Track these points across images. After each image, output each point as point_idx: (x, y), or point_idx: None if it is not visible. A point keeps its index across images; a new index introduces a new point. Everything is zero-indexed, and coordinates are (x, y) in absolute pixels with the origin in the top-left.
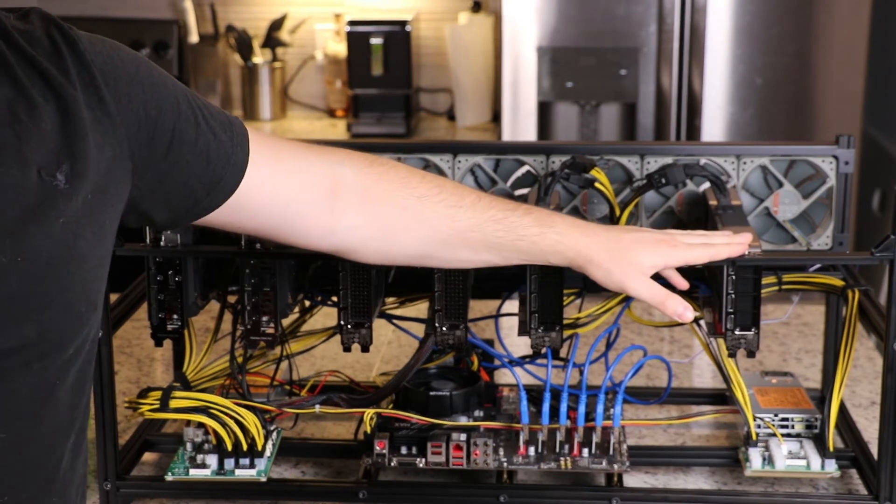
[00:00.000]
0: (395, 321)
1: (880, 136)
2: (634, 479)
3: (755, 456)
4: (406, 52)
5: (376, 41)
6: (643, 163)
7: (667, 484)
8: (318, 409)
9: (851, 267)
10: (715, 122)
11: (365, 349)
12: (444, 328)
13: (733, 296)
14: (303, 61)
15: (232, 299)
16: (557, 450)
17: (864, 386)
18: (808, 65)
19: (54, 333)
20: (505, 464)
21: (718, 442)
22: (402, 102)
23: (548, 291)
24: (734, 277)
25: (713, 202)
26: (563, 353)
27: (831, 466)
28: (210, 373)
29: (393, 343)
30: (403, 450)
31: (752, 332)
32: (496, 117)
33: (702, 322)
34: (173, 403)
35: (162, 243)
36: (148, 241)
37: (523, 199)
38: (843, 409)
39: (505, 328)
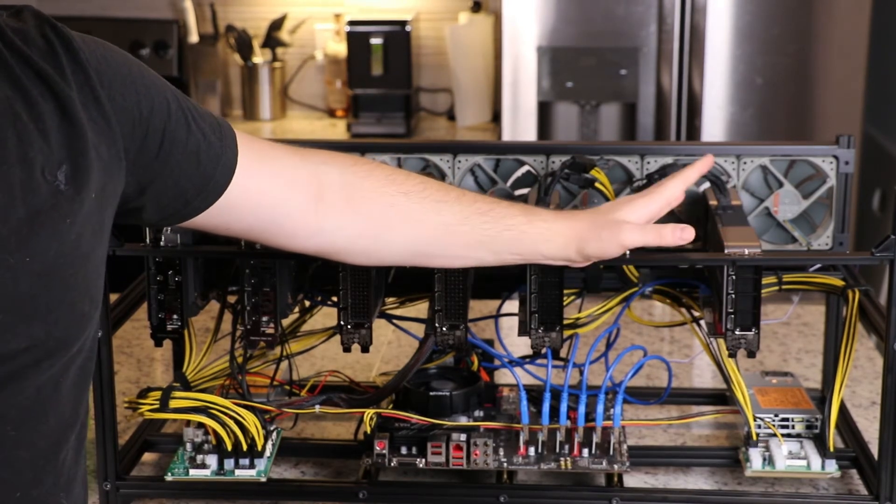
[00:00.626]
0: (395, 321)
1: (880, 136)
2: (634, 480)
3: (755, 456)
4: (406, 52)
5: (376, 41)
6: (643, 163)
7: (667, 484)
8: (317, 409)
9: (851, 267)
10: (715, 122)
11: (365, 349)
12: (444, 328)
13: (733, 296)
14: (303, 61)
15: (232, 299)
16: (557, 450)
17: (864, 386)
18: (808, 65)
19: (61, 332)
20: (505, 464)
21: (719, 442)
22: (402, 102)
23: (548, 291)
24: (734, 277)
25: (713, 202)
26: (563, 353)
27: (831, 467)
28: (210, 373)
29: (393, 343)
30: (403, 450)
31: (752, 332)
32: (496, 117)
33: (702, 322)
34: (173, 403)
35: (162, 243)
36: (148, 241)
37: (523, 199)
38: (843, 409)
39: (505, 328)
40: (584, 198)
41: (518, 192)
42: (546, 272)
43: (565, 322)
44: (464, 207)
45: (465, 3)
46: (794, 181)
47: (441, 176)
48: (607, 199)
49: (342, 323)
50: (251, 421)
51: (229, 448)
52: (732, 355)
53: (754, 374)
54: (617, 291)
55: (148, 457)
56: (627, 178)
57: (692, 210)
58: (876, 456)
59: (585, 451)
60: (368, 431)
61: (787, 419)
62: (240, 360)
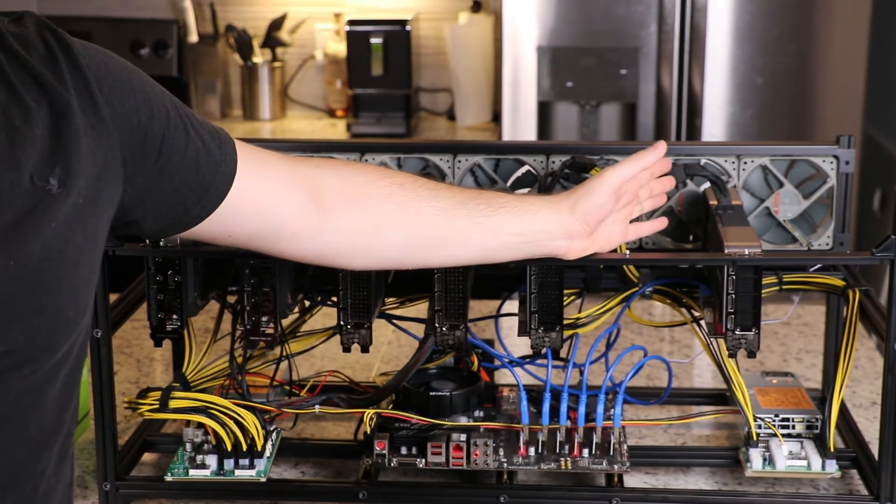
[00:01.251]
0: (395, 321)
1: (880, 136)
2: (634, 480)
3: (756, 456)
4: (406, 52)
5: (376, 41)
6: None
7: (667, 484)
8: (317, 409)
9: (852, 267)
10: (715, 122)
11: (365, 349)
12: (444, 328)
13: (733, 296)
14: (303, 61)
15: (232, 299)
16: (557, 450)
17: (864, 386)
18: (808, 65)
19: (43, 338)
20: (505, 464)
21: (719, 442)
22: (402, 102)
23: (548, 291)
24: (734, 277)
25: (713, 202)
26: (563, 354)
27: (832, 467)
28: (210, 373)
29: (393, 343)
30: (403, 450)
31: (752, 333)
32: (496, 117)
33: (702, 322)
34: (173, 404)
35: (161, 243)
36: (148, 241)
37: None
38: (843, 409)
39: (505, 328)
40: None
41: (518, 192)
42: (546, 272)
43: (565, 322)
44: (456, 194)
45: (465, 3)
46: (795, 181)
47: (441, 176)
48: None
49: (342, 323)
50: (251, 421)
51: (229, 448)
52: (732, 355)
53: (754, 374)
54: (617, 291)
55: (148, 457)
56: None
57: (692, 210)
58: (876, 456)
59: (585, 452)
60: (368, 431)
61: (787, 419)
62: (240, 360)
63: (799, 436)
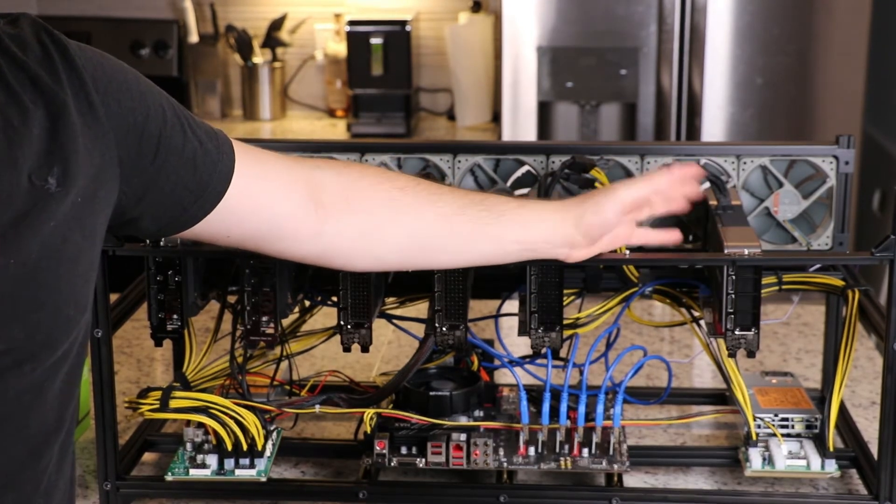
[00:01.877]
0: (395, 321)
1: (880, 136)
2: (634, 479)
3: (755, 456)
4: (406, 52)
5: (376, 41)
6: (643, 163)
7: (667, 484)
8: (318, 409)
9: (851, 267)
10: (715, 122)
11: (365, 349)
12: (444, 328)
13: (733, 296)
14: (303, 61)
15: (232, 299)
16: (557, 450)
17: (864, 386)
18: (808, 65)
19: (43, 336)
20: (505, 464)
21: (718, 442)
22: (402, 102)
23: (548, 291)
24: (734, 277)
25: (713, 202)
26: (563, 353)
27: (831, 466)
28: (210, 373)
29: (393, 343)
30: (403, 450)
31: (752, 332)
32: (496, 117)
33: (702, 322)
34: (173, 403)
35: (162, 243)
36: (148, 241)
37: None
38: (843, 409)
39: (505, 328)
40: None
41: (518, 192)
42: (546, 272)
43: (565, 322)
44: (457, 199)
45: (465, 3)
46: (794, 181)
47: (441, 176)
48: None
49: (342, 323)
50: (251, 421)
51: (229, 448)
52: (732, 355)
53: (754, 374)
54: (617, 291)
55: (148, 457)
56: (627, 178)
57: (692, 210)
58: (876, 456)
59: (585, 451)
60: (368, 431)
61: (786, 419)
62: (240, 360)
63: (798, 435)
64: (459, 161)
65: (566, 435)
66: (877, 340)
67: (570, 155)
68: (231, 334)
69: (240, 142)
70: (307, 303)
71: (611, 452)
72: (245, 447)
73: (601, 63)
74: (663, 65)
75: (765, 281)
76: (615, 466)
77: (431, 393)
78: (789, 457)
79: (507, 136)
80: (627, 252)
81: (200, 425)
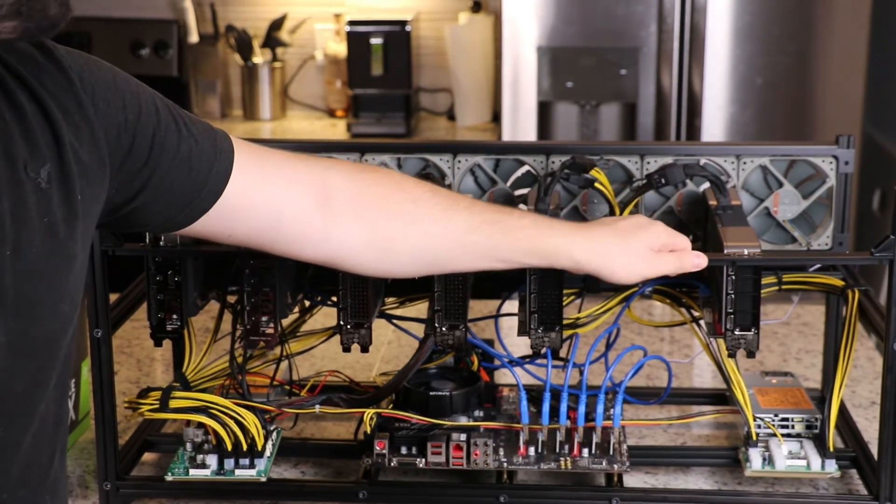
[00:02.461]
0: (395, 321)
1: (880, 136)
2: (634, 479)
3: (755, 456)
4: (406, 52)
5: (376, 41)
6: (643, 163)
7: (667, 484)
8: (318, 409)
9: (851, 267)
10: (715, 122)
11: (364, 349)
12: (443, 328)
13: (733, 296)
14: (303, 61)
15: (232, 299)
16: (557, 450)
17: (864, 386)
18: (808, 65)
19: (42, 330)
20: (505, 464)
21: (718, 442)
22: (402, 102)
23: (548, 291)
24: (734, 277)
25: (713, 202)
26: (562, 353)
27: (831, 466)
28: (210, 373)
29: (393, 343)
30: (403, 450)
31: (751, 332)
32: (496, 117)
33: (702, 322)
34: (173, 403)
35: (161, 243)
36: (148, 240)
37: (523, 199)
38: (843, 409)
39: (505, 328)
40: (584, 198)
41: (518, 192)
42: (546, 272)
43: (565, 322)
44: (473, 216)
45: (465, 3)
46: (794, 181)
47: (441, 176)
48: (607, 200)
49: (342, 323)
50: (251, 421)
51: (229, 448)
52: (732, 355)
53: (754, 374)
54: (617, 291)
55: (148, 457)
56: (627, 178)
57: (692, 210)
58: (876, 456)
59: (585, 451)
60: (368, 431)
61: (786, 419)
62: (240, 360)
63: (798, 435)
64: (459, 161)
65: (566, 435)
66: (877, 340)
67: (570, 155)
68: (231, 334)
69: (246, 142)
70: (307, 303)
71: (611, 452)
72: (245, 447)
73: (601, 63)
74: (663, 65)
75: (765, 281)
76: (615, 466)
77: (431, 393)
78: (789, 457)
79: (507, 136)
80: None
81: (200, 425)
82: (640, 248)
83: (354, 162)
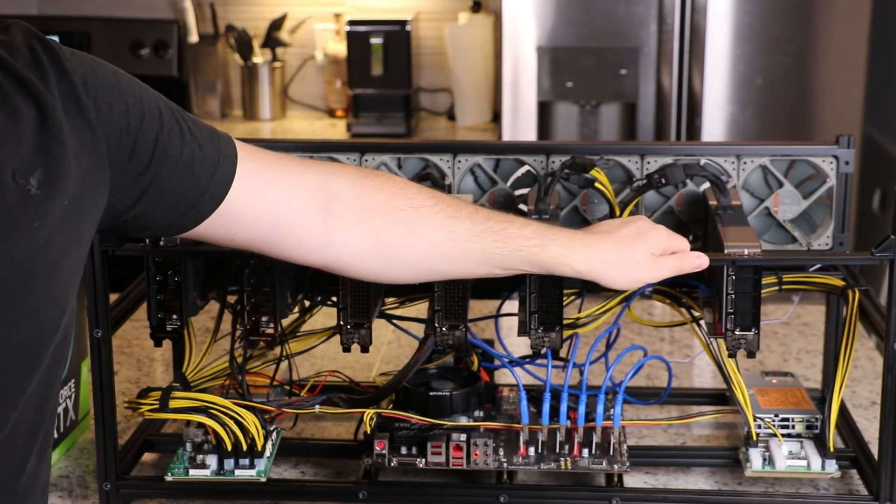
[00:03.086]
0: (395, 321)
1: (880, 136)
2: (634, 480)
3: (755, 456)
4: (406, 52)
5: (376, 41)
6: (643, 163)
7: (667, 484)
8: (317, 409)
9: (852, 267)
10: (715, 122)
11: (364, 349)
12: (443, 328)
13: (733, 296)
14: (303, 61)
15: (232, 299)
16: (557, 450)
17: (864, 386)
18: (808, 65)
19: (23, 337)
20: (505, 464)
21: (718, 442)
22: (402, 102)
23: (548, 291)
24: (734, 277)
25: (713, 202)
26: (563, 354)
27: (832, 467)
28: (210, 373)
29: (393, 343)
30: (403, 450)
31: (752, 333)
32: (496, 117)
33: (702, 322)
34: (173, 403)
35: (161, 243)
36: (147, 241)
37: (523, 199)
38: (843, 409)
39: (505, 328)
40: (585, 198)
41: (518, 192)
42: None
43: (565, 322)
44: (475, 225)
45: (465, 3)
46: (794, 181)
47: (441, 176)
48: (607, 199)
49: (342, 323)
50: (251, 421)
51: (229, 448)
52: (732, 355)
53: (754, 374)
54: (617, 292)
55: (148, 457)
56: (627, 178)
57: (692, 210)
58: (876, 456)
59: (585, 451)
60: (368, 431)
61: (787, 419)
62: (240, 360)
63: (799, 436)
64: (459, 161)
65: (566, 435)
66: (877, 340)
67: (570, 155)
68: (231, 334)
69: (249, 145)
70: (307, 303)
71: (611, 452)
72: (245, 447)
73: (601, 63)
74: (663, 65)
75: (765, 281)
76: (615, 466)
77: (431, 393)
78: (789, 457)
79: (507, 136)
80: None
81: (200, 425)
82: (640, 257)
83: (357, 167)
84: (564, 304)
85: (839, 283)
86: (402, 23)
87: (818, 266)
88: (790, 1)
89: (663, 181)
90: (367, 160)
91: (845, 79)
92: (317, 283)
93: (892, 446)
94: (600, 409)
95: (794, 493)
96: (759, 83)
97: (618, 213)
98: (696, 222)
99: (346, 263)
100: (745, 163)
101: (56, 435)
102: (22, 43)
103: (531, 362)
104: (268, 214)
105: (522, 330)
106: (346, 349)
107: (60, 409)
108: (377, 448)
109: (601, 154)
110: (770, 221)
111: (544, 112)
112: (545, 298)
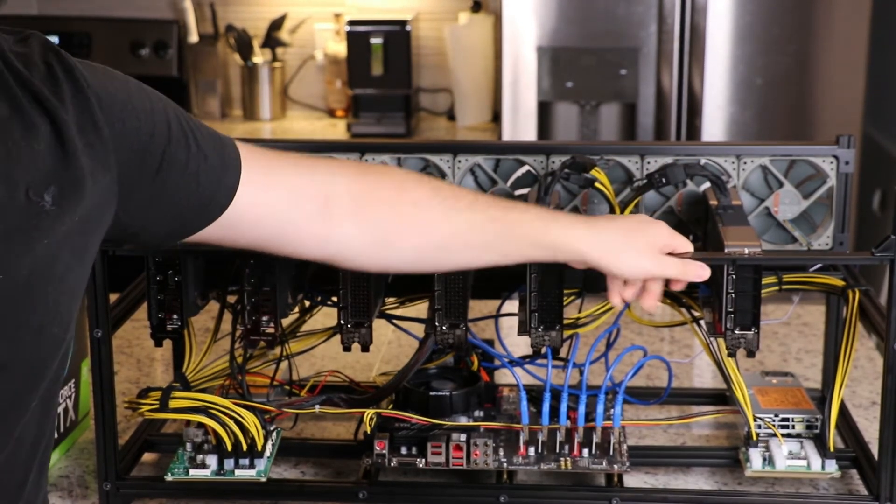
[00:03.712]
0: (395, 321)
1: (880, 136)
2: (634, 480)
3: (755, 456)
4: (406, 52)
5: (376, 41)
6: (643, 163)
7: (667, 484)
8: (317, 409)
9: (852, 267)
10: (715, 122)
11: (365, 349)
12: (444, 328)
13: (733, 295)
14: (303, 61)
15: (232, 299)
16: (557, 450)
17: (864, 386)
18: (808, 65)
19: (27, 352)
20: (505, 464)
21: (718, 442)
22: (402, 102)
23: (548, 291)
24: (734, 277)
25: (713, 202)
26: (563, 353)
27: (832, 467)
28: (210, 373)
29: (393, 343)
30: (403, 450)
31: (752, 332)
32: (496, 117)
33: (702, 322)
34: (173, 403)
35: None
36: None
37: (523, 199)
38: (843, 409)
39: (505, 328)
40: (584, 198)
41: (518, 192)
42: (546, 271)
43: (565, 322)
44: (475, 215)
45: (465, 3)
46: (795, 181)
47: (441, 176)
48: (607, 199)
49: (342, 322)
50: (251, 421)
51: (229, 448)
52: (732, 355)
53: (754, 374)
54: None
55: (148, 457)
56: (627, 177)
57: (692, 210)
58: (876, 456)
59: (585, 451)
60: (368, 431)
61: (787, 419)
62: (240, 360)
63: (799, 436)
64: (459, 161)
65: (566, 435)
66: (877, 340)
67: (570, 155)
68: (231, 334)
69: (252, 148)
70: (307, 303)
71: (611, 452)
72: (245, 447)
73: (601, 63)
74: (663, 65)
75: (765, 281)
76: (615, 466)
77: (431, 393)
78: (789, 457)
79: (507, 136)
80: None
81: (200, 425)
82: (644, 245)
83: (357, 162)
84: (564, 303)
85: (839, 283)
86: (402, 23)
87: (818, 266)
88: (790, 1)
89: (664, 181)
90: (367, 160)
91: (845, 79)
92: (317, 282)
93: (892, 446)
94: (600, 409)
95: (794, 493)
96: (759, 83)
97: (618, 212)
98: (697, 222)
99: (346, 257)
100: (745, 163)
101: (56, 435)
102: (38, 56)
103: (531, 362)
104: (270, 218)
105: (523, 329)
106: (347, 348)
107: (60, 409)
108: (377, 448)
109: (601, 154)
110: (770, 221)
111: (544, 112)
112: (545, 297)
